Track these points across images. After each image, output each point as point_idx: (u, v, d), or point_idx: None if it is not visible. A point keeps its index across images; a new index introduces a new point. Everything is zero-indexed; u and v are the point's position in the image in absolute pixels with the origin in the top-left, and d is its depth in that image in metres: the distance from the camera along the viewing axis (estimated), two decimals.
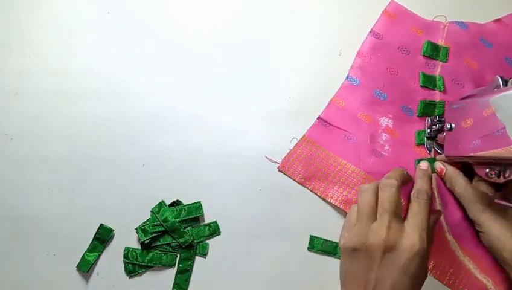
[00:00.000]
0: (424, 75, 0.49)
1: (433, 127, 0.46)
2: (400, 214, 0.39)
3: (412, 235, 0.37)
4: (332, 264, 0.46)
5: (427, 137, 0.47)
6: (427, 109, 0.48)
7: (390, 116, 0.48)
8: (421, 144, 0.48)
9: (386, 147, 0.47)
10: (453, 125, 0.43)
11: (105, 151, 0.47)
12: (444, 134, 0.44)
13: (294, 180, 0.47)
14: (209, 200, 0.47)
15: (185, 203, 0.46)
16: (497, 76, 0.39)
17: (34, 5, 0.50)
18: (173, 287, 0.45)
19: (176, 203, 0.46)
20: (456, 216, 0.45)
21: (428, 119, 0.47)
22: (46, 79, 0.48)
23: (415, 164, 0.47)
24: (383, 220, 0.37)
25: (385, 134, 0.48)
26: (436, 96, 0.49)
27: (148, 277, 0.45)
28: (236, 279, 0.46)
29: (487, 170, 0.38)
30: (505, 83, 0.38)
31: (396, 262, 0.36)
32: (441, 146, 0.46)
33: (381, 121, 0.48)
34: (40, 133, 0.47)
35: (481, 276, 0.45)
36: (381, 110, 0.48)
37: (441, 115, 0.48)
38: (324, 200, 0.47)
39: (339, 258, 0.46)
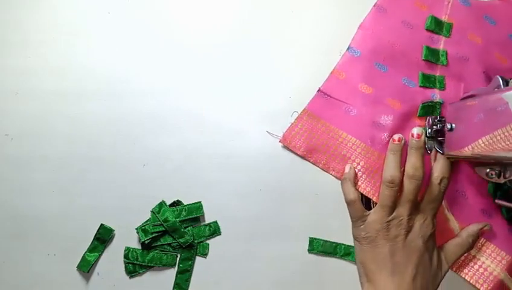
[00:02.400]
0: (427, 48, 0.49)
1: (434, 127, 0.46)
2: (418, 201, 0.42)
3: (427, 219, 0.41)
4: (332, 264, 0.46)
5: (427, 137, 0.47)
6: (428, 80, 0.48)
7: (391, 87, 0.48)
8: (423, 116, 0.48)
9: (387, 118, 0.47)
10: (453, 125, 0.42)
11: (105, 151, 0.47)
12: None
13: (296, 153, 0.47)
14: (209, 200, 0.47)
15: (185, 203, 0.46)
16: (498, 76, 0.39)
17: (34, 5, 0.50)
18: (174, 287, 0.45)
19: (176, 203, 0.46)
20: (457, 194, 0.46)
21: (429, 119, 0.47)
22: (46, 79, 0.48)
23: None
24: (404, 209, 0.41)
25: (386, 105, 0.48)
26: (437, 70, 0.49)
27: (148, 277, 0.45)
28: (236, 279, 0.46)
29: (487, 170, 0.38)
30: (506, 83, 0.38)
31: (416, 243, 0.40)
32: (442, 146, 0.46)
33: (382, 92, 0.48)
34: (40, 133, 0.47)
35: (479, 254, 0.45)
36: (381, 82, 0.48)
37: (442, 115, 0.48)
38: (325, 181, 0.47)
39: (340, 258, 0.46)
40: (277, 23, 0.51)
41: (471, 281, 0.44)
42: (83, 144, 0.47)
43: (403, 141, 0.43)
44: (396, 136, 0.44)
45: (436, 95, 0.48)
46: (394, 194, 0.41)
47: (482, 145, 0.36)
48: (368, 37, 0.49)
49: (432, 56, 0.49)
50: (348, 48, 0.49)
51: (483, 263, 0.45)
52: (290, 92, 0.49)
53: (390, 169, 0.42)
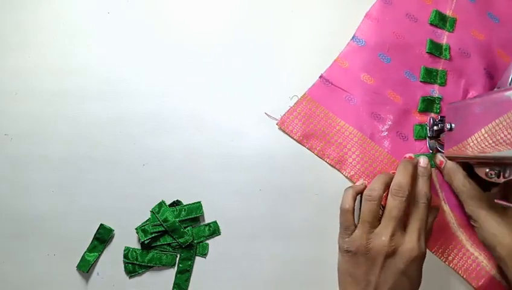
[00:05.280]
0: (431, 41, 0.49)
1: (435, 127, 0.46)
2: (403, 220, 0.40)
3: (412, 241, 0.39)
4: (332, 264, 0.46)
5: (429, 137, 0.48)
6: (429, 75, 0.48)
7: (393, 79, 0.48)
8: (423, 111, 0.48)
9: (387, 110, 0.48)
10: (453, 125, 0.43)
11: (105, 151, 0.47)
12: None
13: (293, 138, 0.47)
14: (209, 200, 0.47)
15: (185, 203, 0.46)
16: None
17: (34, 5, 0.50)
18: (173, 287, 0.45)
19: (176, 203, 0.46)
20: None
21: (430, 119, 0.47)
22: (46, 79, 0.48)
23: (411, 157, 0.46)
24: (388, 228, 0.39)
25: (386, 97, 0.48)
26: (440, 64, 0.49)
27: (148, 277, 0.45)
28: (236, 279, 0.46)
29: (487, 170, 0.38)
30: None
31: (396, 266, 0.38)
32: (443, 146, 0.46)
33: (384, 83, 0.48)
34: (40, 133, 0.47)
35: (473, 248, 0.45)
36: (384, 73, 0.48)
37: (442, 115, 0.48)
38: (322, 163, 0.47)
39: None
40: (277, 23, 0.51)
41: (464, 276, 0.45)
42: (83, 144, 0.47)
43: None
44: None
45: (435, 90, 0.49)
46: (373, 208, 0.40)
47: (485, 135, 0.36)
48: (374, 27, 0.49)
49: (436, 50, 0.49)
50: (352, 37, 0.49)
51: (477, 258, 0.45)
52: (290, 92, 0.49)
53: (372, 183, 0.41)
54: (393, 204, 0.40)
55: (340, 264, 0.42)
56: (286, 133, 0.48)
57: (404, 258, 0.38)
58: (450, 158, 0.44)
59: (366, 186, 0.45)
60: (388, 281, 0.38)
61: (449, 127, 0.43)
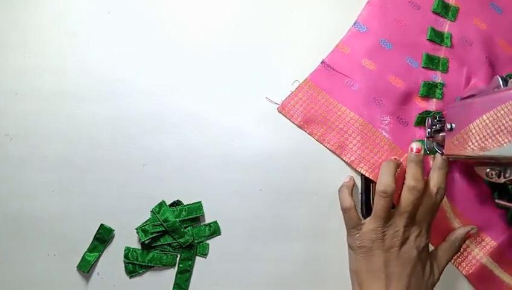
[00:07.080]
0: (432, 29, 0.49)
1: (433, 127, 0.46)
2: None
3: (422, 230, 0.42)
4: (332, 264, 0.46)
5: (427, 137, 0.48)
6: (431, 61, 0.49)
7: (395, 65, 0.48)
8: (425, 96, 0.48)
9: (388, 96, 0.48)
10: (453, 125, 0.43)
11: (105, 151, 0.47)
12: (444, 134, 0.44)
13: (294, 122, 0.48)
14: (209, 200, 0.47)
15: (185, 203, 0.46)
16: (497, 76, 0.39)
17: (34, 5, 0.50)
18: (173, 287, 0.45)
19: (176, 203, 0.46)
20: (453, 178, 0.46)
21: (429, 119, 0.47)
22: (46, 79, 0.48)
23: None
24: (402, 220, 0.41)
25: (388, 82, 0.48)
26: (441, 52, 0.49)
27: (148, 277, 0.45)
28: (236, 279, 0.46)
29: (487, 170, 0.38)
30: (505, 82, 0.38)
31: (411, 254, 0.41)
32: (441, 146, 0.46)
33: (385, 69, 0.48)
34: (40, 133, 0.47)
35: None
36: (385, 59, 0.48)
37: (441, 115, 0.48)
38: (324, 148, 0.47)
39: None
40: (277, 23, 0.51)
41: (454, 264, 0.46)
42: (83, 144, 0.47)
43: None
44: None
45: (437, 76, 0.49)
46: (388, 204, 0.40)
47: (487, 121, 0.36)
48: (375, 14, 0.49)
49: (437, 37, 0.49)
50: (354, 23, 0.49)
51: (468, 246, 0.46)
52: (289, 91, 0.49)
53: (384, 178, 0.41)
54: (410, 200, 0.41)
55: (353, 264, 0.42)
56: (287, 118, 0.48)
57: (416, 246, 0.41)
58: (451, 158, 0.44)
59: (354, 180, 0.46)
60: (407, 268, 0.40)
61: (449, 127, 0.43)
